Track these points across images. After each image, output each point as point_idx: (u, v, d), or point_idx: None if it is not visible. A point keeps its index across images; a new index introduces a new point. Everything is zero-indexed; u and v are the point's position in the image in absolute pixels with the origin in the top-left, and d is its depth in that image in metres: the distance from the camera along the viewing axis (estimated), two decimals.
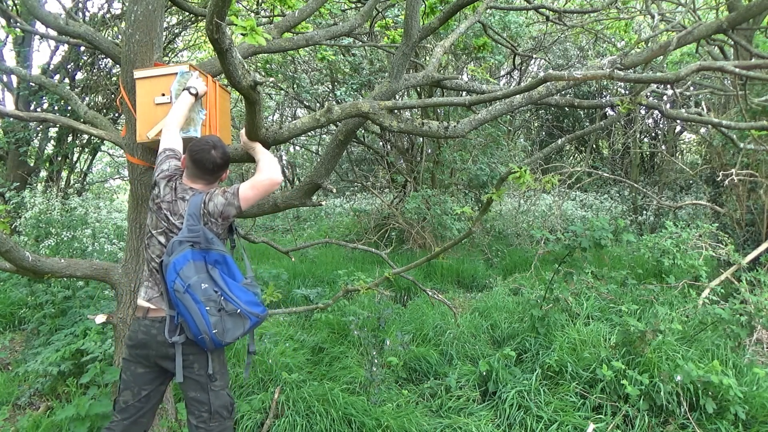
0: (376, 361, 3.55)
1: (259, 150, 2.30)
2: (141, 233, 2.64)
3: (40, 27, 6.18)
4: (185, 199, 2.10)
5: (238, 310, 2.00)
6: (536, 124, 13.10)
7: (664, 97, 4.29)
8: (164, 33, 4.36)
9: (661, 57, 2.99)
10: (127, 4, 3.20)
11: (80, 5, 6.76)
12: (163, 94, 2.46)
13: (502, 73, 10.72)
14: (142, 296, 2.15)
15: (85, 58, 6.99)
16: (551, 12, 4.20)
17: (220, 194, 2.09)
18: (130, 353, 2.15)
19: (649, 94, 3.24)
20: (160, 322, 2.07)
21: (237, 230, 2.30)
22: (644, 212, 9.73)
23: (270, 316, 4.68)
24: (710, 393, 3.09)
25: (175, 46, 8.45)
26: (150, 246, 2.15)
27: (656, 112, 8.87)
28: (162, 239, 2.11)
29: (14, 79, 6.82)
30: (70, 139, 7.07)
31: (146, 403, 2.16)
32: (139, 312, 2.14)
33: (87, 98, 7.11)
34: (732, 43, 4.01)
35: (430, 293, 3.46)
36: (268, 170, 2.14)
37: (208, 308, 1.94)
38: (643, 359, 3.38)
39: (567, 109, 11.78)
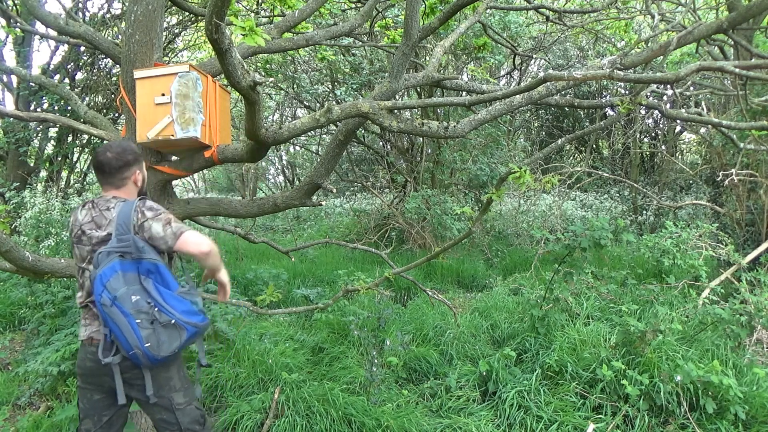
0: (376, 361, 3.55)
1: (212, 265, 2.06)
2: None
3: (40, 27, 6.18)
4: (110, 208, 2.01)
5: (173, 321, 1.89)
6: (536, 124, 13.10)
7: (664, 97, 4.30)
8: (164, 33, 4.35)
9: (661, 57, 2.99)
10: (127, 4, 3.20)
11: (80, 5, 6.76)
12: (163, 94, 2.46)
13: (502, 73, 10.72)
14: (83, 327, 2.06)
15: (85, 58, 6.99)
16: (551, 12, 4.21)
17: (162, 223, 1.94)
18: (82, 381, 2.07)
19: (649, 94, 3.25)
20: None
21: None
22: (644, 212, 9.72)
23: (270, 316, 4.68)
24: (710, 393, 3.09)
25: (175, 46, 8.45)
26: (84, 283, 2.03)
27: (656, 112, 8.87)
28: (92, 267, 1.98)
29: (14, 79, 6.82)
30: (70, 139, 7.07)
31: (109, 429, 2.10)
32: (86, 339, 2.04)
33: (87, 98, 7.11)
34: (732, 43, 4.01)
35: (430, 293, 3.46)
36: (198, 246, 1.95)
37: (138, 321, 1.85)
38: (643, 359, 3.38)
39: (567, 109, 11.78)
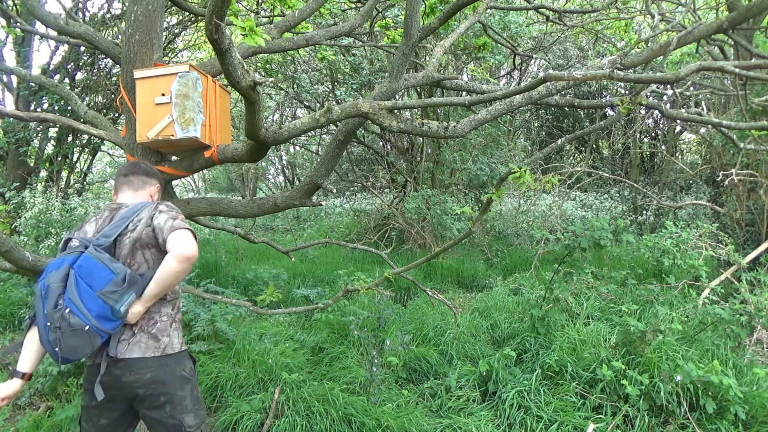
0: (376, 361, 3.55)
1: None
2: None
3: (40, 27, 6.19)
4: (121, 208, 1.99)
5: (86, 327, 1.68)
6: (536, 124, 13.10)
7: (664, 97, 4.30)
8: (164, 33, 4.36)
9: (661, 57, 2.99)
10: (127, 4, 3.20)
11: (80, 5, 6.77)
12: (163, 94, 2.46)
13: (502, 73, 10.72)
14: None
15: (85, 58, 7.00)
16: (551, 12, 4.21)
17: (168, 216, 1.85)
18: (88, 401, 1.89)
19: (649, 94, 3.25)
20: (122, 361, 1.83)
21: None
22: (644, 212, 9.73)
23: (270, 316, 4.68)
24: (710, 393, 3.09)
25: (175, 46, 8.45)
26: None
27: (656, 112, 8.87)
28: None
29: (14, 79, 6.83)
30: (70, 139, 7.07)
31: None
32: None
33: (87, 98, 7.11)
34: (732, 43, 4.01)
35: (430, 293, 3.46)
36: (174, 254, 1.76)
37: (49, 323, 1.68)
38: (643, 359, 3.38)
39: (567, 109, 11.78)
